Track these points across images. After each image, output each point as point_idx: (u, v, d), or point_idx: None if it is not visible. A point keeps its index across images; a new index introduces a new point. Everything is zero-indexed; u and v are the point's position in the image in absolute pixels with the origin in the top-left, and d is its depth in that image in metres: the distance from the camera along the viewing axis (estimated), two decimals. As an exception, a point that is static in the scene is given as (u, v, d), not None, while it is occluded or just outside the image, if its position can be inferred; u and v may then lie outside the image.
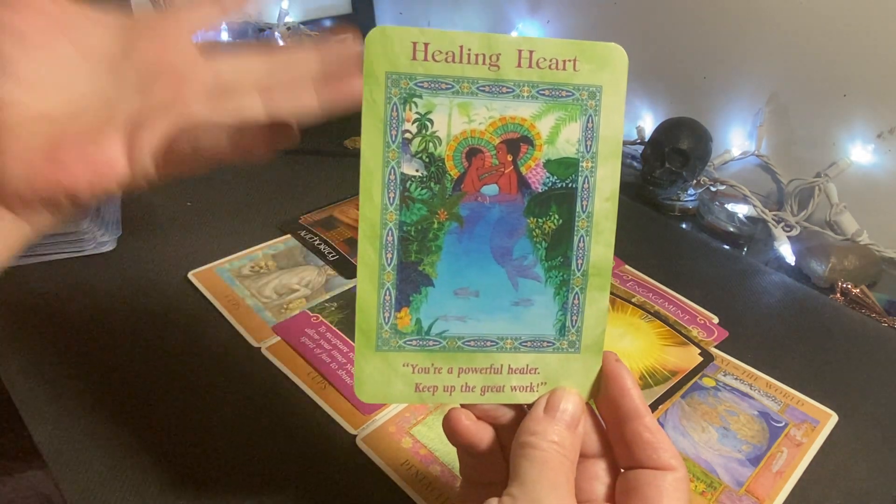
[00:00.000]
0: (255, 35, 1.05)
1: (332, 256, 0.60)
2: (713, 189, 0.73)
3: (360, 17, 1.17)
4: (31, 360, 0.48)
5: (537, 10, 0.93)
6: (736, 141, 0.77)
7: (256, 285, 0.56)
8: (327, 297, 0.55)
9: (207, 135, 0.34)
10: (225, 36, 1.01)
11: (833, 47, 0.66)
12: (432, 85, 0.27)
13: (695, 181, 0.73)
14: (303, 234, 0.63)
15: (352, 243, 0.61)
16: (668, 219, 0.72)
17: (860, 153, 0.67)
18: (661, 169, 0.71)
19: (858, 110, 0.66)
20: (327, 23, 1.13)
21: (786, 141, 0.73)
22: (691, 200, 0.73)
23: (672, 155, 0.71)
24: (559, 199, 0.28)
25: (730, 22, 0.73)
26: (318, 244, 0.61)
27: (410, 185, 0.27)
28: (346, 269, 0.58)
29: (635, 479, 0.27)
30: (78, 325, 0.51)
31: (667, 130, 0.72)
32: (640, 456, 0.27)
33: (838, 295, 0.60)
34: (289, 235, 0.62)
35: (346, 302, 0.54)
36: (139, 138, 0.32)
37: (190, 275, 0.56)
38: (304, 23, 1.10)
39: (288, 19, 1.08)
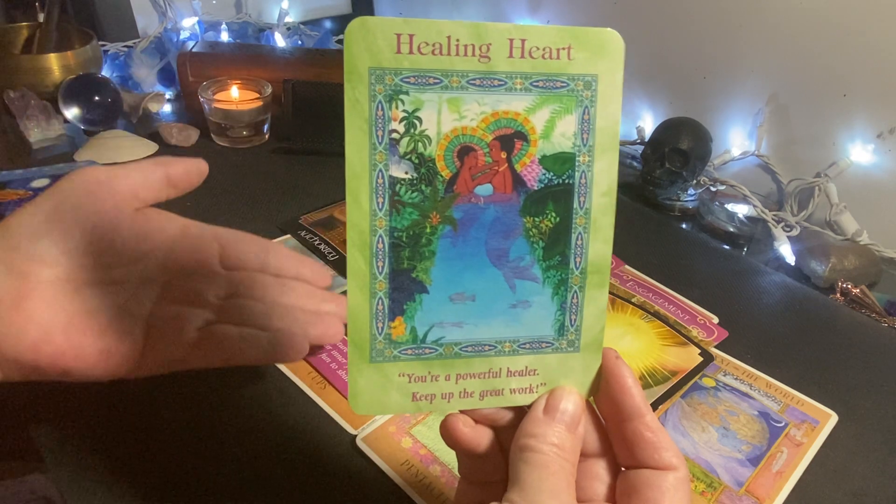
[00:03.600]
0: (255, 35, 1.05)
1: (332, 256, 0.60)
2: (713, 189, 0.73)
3: (360, 18, 1.17)
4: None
5: (537, 9, 0.93)
6: (736, 141, 0.77)
7: (256, 285, 0.56)
8: (327, 297, 0.55)
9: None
10: (225, 36, 1.01)
11: (833, 47, 0.66)
12: (419, 80, 0.25)
13: (695, 181, 0.73)
14: (303, 234, 0.63)
15: (352, 243, 0.61)
16: (668, 219, 0.72)
17: (860, 153, 0.67)
18: (661, 169, 0.71)
19: (858, 110, 0.66)
20: (327, 23, 1.13)
21: (786, 141, 0.73)
22: (691, 200, 0.73)
23: (672, 155, 0.71)
24: (556, 196, 0.27)
25: (730, 22, 0.73)
26: (318, 244, 0.61)
27: (400, 188, 0.26)
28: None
29: (636, 478, 0.27)
30: (78, 325, 0.51)
31: (667, 130, 0.72)
32: (641, 455, 0.27)
33: (838, 295, 0.60)
34: (289, 235, 0.62)
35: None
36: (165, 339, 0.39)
37: (190, 275, 0.56)
38: (304, 23, 1.10)
39: (288, 19, 1.08)
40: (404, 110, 0.25)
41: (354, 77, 0.25)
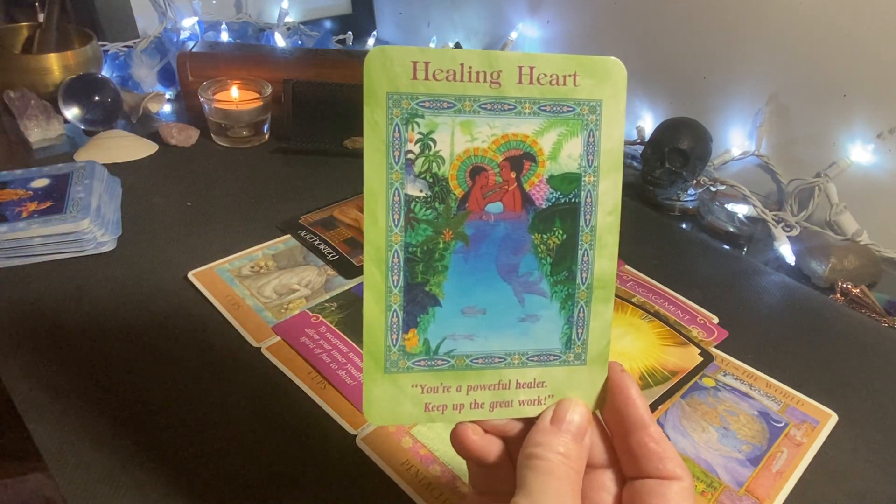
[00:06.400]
0: (255, 35, 1.05)
1: (332, 256, 0.60)
2: (713, 189, 0.73)
3: (360, 18, 1.17)
4: (31, 361, 0.48)
5: (537, 10, 0.93)
6: (736, 141, 0.77)
7: (256, 285, 0.56)
8: (327, 297, 0.55)
9: None
10: (225, 36, 1.01)
11: (833, 47, 0.66)
12: (434, 104, 0.27)
13: (695, 181, 0.73)
14: (303, 234, 0.63)
15: (352, 243, 0.61)
16: (668, 219, 0.72)
17: (860, 153, 0.67)
18: (661, 169, 0.71)
19: (858, 110, 0.66)
20: (327, 23, 1.13)
21: (786, 141, 0.73)
22: (691, 200, 0.73)
23: (672, 155, 0.71)
24: (563, 214, 0.28)
25: (730, 22, 0.73)
26: (318, 244, 0.61)
27: (415, 205, 0.27)
28: (346, 269, 0.58)
29: (641, 489, 0.27)
30: (78, 325, 0.51)
31: (667, 130, 0.72)
32: (646, 466, 0.27)
33: (838, 295, 0.60)
34: (289, 235, 0.63)
35: (347, 302, 0.54)
36: None
37: (190, 275, 0.56)
38: (304, 23, 1.10)
39: (288, 19, 1.08)
40: (420, 132, 0.27)
41: (373, 101, 0.27)
